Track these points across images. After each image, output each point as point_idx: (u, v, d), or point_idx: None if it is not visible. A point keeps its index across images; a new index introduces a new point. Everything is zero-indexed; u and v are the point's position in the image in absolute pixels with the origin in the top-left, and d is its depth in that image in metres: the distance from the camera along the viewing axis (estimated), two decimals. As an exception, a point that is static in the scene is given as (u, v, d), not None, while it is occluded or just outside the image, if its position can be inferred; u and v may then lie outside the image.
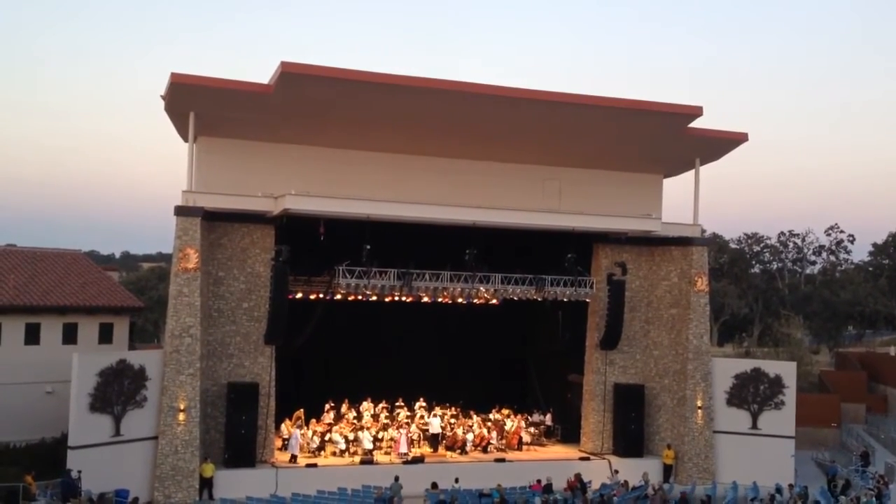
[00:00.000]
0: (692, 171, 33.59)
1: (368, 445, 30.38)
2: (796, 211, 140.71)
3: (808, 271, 75.12)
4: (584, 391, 33.64)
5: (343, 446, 30.38)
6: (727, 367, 33.53)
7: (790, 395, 32.89)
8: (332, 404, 33.23)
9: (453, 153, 31.18)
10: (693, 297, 32.39)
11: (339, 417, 32.82)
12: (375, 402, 34.08)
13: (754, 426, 32.67)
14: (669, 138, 31.12)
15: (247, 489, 26.65)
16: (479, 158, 31.63)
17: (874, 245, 73.02)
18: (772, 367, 33.77)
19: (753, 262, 74.19)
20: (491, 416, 34.56)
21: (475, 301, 33.20)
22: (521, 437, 33.17)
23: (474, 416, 34.04)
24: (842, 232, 73.28)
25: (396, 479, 26.76)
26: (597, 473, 30.33)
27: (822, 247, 73.61)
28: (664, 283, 33.49)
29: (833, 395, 43.67)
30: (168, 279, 29.18)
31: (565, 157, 32.43)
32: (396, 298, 31.05)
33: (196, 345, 27.07)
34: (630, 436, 32.40)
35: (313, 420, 31.59)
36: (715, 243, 67.57)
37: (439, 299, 31.23)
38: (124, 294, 35.97)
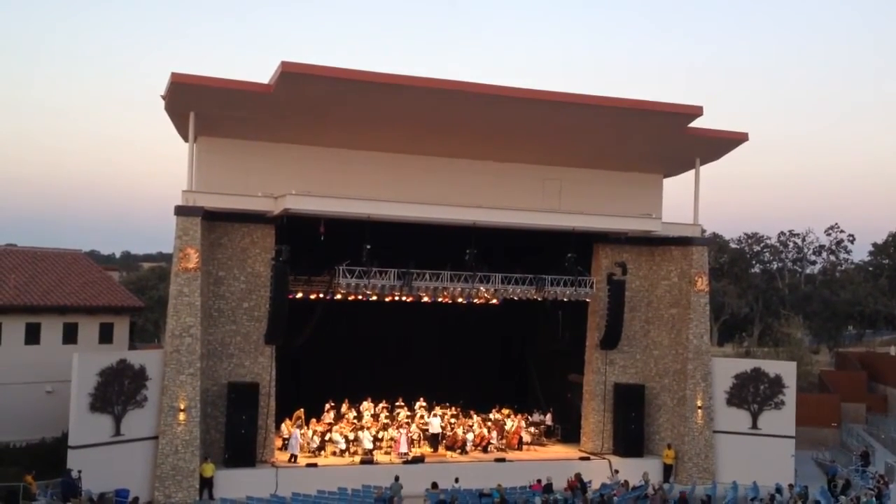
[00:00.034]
0: (692, 171, 33.59)
1: (368, 445, 30.39)
2: (796, 211, 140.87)
3: (808, 271, 75.11)
4: (585, 391, 33.65)
5: (343, 446, 30.39)
6: (727, 367, 33.54)
7: (790, 395, 32.90)
8: (333, 404, 33.25)
9: (453, 153, 31.19)
10: (693, 296, 32.39)
11: (339, 417, 32.83)
12: (375, 402, 34.10)
13: (754, 426, 32.68)
14: (669, 138, 31.13)
15: (247, 489, 26.65)
16: (479, 158, 31.64)
17: (874, 245, 73.03)
18: (772, 366, 33.78)
19: (753, 262, 74.16)
20: (491, 415, 34.57)
21: (475, 301, 33.21)
22: (521, 437, 33.17)
23: (474, 416, 34.05)
24: (842, 232, 73.29)
25: (396, 478, 26.77)
26: (597, 473, 30.34)
27: (822, 246, 73.57)
28: (664, 282, 33.50)
29: (833, 394, 43.69)
30: (168, 279, 29.18)
31: (565, 156, 32.44)
32: (396, 298, 31.05)
33: (196, 344, 27.08)
34: (630, 436, 32.41)
35: (313, 420, 31.60)
36: (715, 243, 67.56)
37: (439, 299, 31.23)
38: (124, 294, 35.99)
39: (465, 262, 29.40)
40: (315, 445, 30.21)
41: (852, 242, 73.21)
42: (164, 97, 27.81)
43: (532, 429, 34.26)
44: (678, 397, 32.66)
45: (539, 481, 27.92)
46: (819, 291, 67.68)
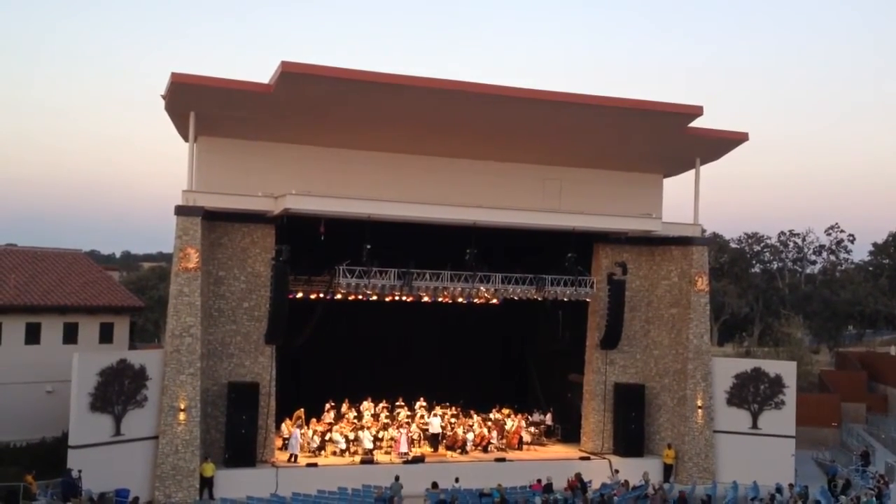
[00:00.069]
0: (692, 171, 33.59)
1: (369, 445, 30.39)
2: (796, 210, 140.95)
3: (808, 271, 75.16)
4: (585, 391, 33.64)
5: (343, 446, 30.39)
6: (727, 367, 33.54)
7: (790, 395, 32.89)
8: (333, 404, 33.25)
9: (454, 153, 31.19)
10: (693, 296, 32.39)
11: (339, 417, 32.83)
12: (376, 402, 34.10)
13: (754, 426, 32.68)
14: (670, 138, 31.12)
15: (247, 489, 26.64)
16: (479, 158, 31.64)
17: (874, 245, 73.08)
18: (772, 366, 33.78)
19: (754, 262, 74.18)
20: (491, 415, 34.57)
21: (475, 301, 33.21)
22: (521, 437, 33.17)
23: (475, 416, 34.05)
24: (842, 231, 73.34)
25: (397, 478, 26.77)
26: (597, 473, 30.34)
27: (822, 246, 73.61)
28: (664, 282, 33.49)
29: (833, 394, 43.69)
30: (168, 279, 29.18)
31: (566, 156, 32.43)
32: (397, 298, 31.05)
33: (196, 344, 27.08)
34: (630, 435, 32.41)
35: (314, 419, 31.60)
36: (715, 243, 67.58)
37: (439, 299, 31.22)
38: (125, 294, 35.99)
39: (465, 261, 29.39)
40: (315, 445, 30.21)
41: (852, 242, 73.37)
42: (164, 97, 27.82)
43: (532, 428, 34.25)
44: (678, 397, 32.65)
45: (539, 481, 27.92)
46: (819, 291, 67.68)
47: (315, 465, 28.92)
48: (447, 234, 29.24)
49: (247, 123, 28.27)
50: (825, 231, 73.47)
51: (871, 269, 71.89)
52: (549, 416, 35.40)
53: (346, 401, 33.69)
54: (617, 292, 31.95)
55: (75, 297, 33.59)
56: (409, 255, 29.15)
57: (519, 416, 34.85)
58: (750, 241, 74.12)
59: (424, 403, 34.55)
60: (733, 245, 73.33)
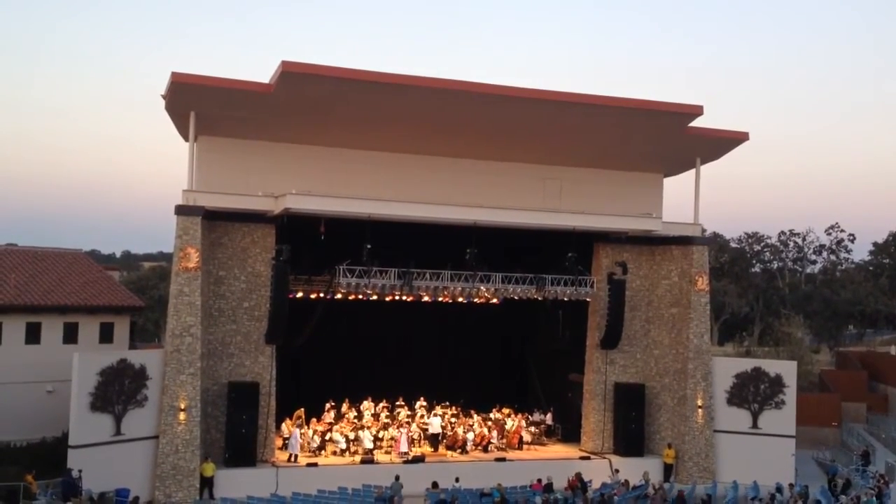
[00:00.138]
0: (693, 171, 33.58)
1: (369, 445, 30.38)
2: (797, 210, 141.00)
3: (808, 270, 75.17)
4: (585, 390, 33.63)
5: (343, 446, 30.38)
6: (728, 367, 33.52)
7: (791, 395, 32.88)
8: (333, 403, 33.25)
9: (454, 152, 31.17)
10: (693, 296, 32.38)
11: (339, 417, 32.82)
12: (376, 402, 34.10)
13: (755, 425, 32.67)
14: (670, 138, 31.11)
15: (247, 488, 26.64)
16: (479, 158, 31.63)
17: (875, 244, 73.10)
18: (772, 366, 33.77)
19: (754, 262, 74.17)
20: (491, 415, 34.56)
21: (476, 300, 33.20)
22: (521, 437, 33.17)
23: (475, 416, 34.05)
24: (842, 231, 73.32)
25: (397, 478, 26.77)
26: (597, 473, 30.33)
27: (822, 246, 73.58)
28: (665, 282, 33.48)
29: (834, 394, 43.68)
30: (169, 278, 29.17)
31: (566, 156, 32.42)
32: (397, 298, 31.04)
33: (197, 344, 27.07)
34: (630, 435, 32.40)
35: (314, 419, 31.59)
36: (715, 242, 67.58)
37: (440, 299, 31.20)
38: (125, 293, 36.00)
39: (465, 261, 29.37)
40: (315, 445, 30.21)
41: (853, 242, 73.36)
42: (164, 97, 27.82)
43: (532, 428, 34.25)
44: (678, 397, 32.64)
45: (539, 481, 27.91)
46: (819, 291, 67.67)
47: (315, 464, 28.92)
48: (447, 234, 29.22)
49: (247, 123, 28.26)
50: (825, 231, 73.59)
51: (871, 268, 71.91)
52: (549, 415, 35.40)
53: (347, 400, 33.68)
54: (617, 292, 31.94)
55: (75, 296, 33.60)
56: (409, 255, 29.13)
57: (519, 415, 34.84)
58: (750, 240, 74.12)
59: (425, 403, 34.55)
60: (733, 245, 73.33)
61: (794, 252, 74.00)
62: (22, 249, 37.36)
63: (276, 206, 28.08)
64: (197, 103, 27.11)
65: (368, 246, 27.71)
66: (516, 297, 32.02)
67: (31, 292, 32.73)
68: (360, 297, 30.36)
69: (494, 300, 34.03)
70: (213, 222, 28.30)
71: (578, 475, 28.14)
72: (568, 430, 34.67)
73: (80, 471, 24.48)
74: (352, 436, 30.78)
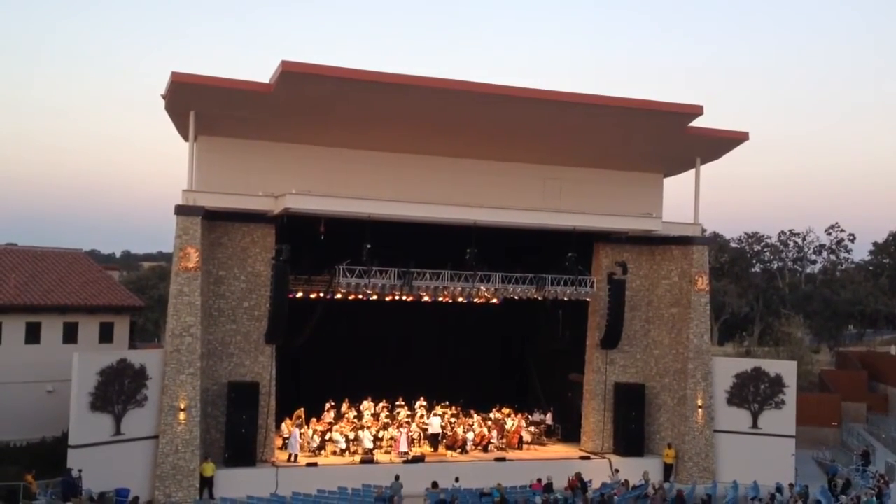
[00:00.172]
0: (693, 171, 33.57)
1: (369, 445, 30.38)
2: (797, 210, 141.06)
3: (808, 270, 75.16)
4: (585, 390, 33.63)
5: (343, 445, 30.38)
6: (728, 367, 33.52)
7: (791, 395, 32.87)
8: (333, 403, 33.24)
9: (454, 152, 31.17)
10: (693, 296, 32.37)
11: (339, 416, 32.82)
12: (376, 402, 34.09)
13: (755, 425, 32.66)
14: (670, 137, 31.11)
15: (247, 488, 26.63)
16: (479, 157, 31.62)
17: (875, 244, 73.10)
18: (772, 366, 33.76)
19: (754, 262, 74.16)
20: (491, 415, 34.56)
21: (476, 300, 33.19)
22: (521, 437, 33.16)
23: (475, 416, 34.04)
24: (842, 231, 73.30)
25: (397, 478, 26.76)
26: (597, 473, 30.31)
27: (822, 246, 73.56)
28: (665, 282, 33.47)
29: (834, 394, 43.68)
30: (168, 278, 29.16)
31: (566, 156, 32.42)
32: (397, 298, 31.03)
33: (196, 344, 27.07)
34: (630, 435, 32.40)
35: (314, 419, 31.59)
36: (715, 242, 67.56)
37: (440, 299, 31.19)
38: (125, 293, 35.99)
39: (465, 261, 29.35)
40: (315, 445, 30.21)
41: (853, 242, 73.34)
42: (164, 97, 27.81)
43: (532, 428, 34.25)
44: (678, 397, 32.64)
45: (539, 481, 27.91)
46: (819, 291, 67.66)
47: (315, 464, 28.92)
48: (447, 234, 29.21)
49: (247, 123, 28.25)
50: (825, 231, 73.56)
51: (871, 268, 71.90)
52: (549, 415, 35.39)
53: (346, 400, 33.68)
54: (617, 292, 31.94)
55: (75, 296, 33.60)
56: (409, 255, 29.12)
57: (519, 415, 34.84)
58: (750, 240, 74.11)
59: (424, 403, 34.54)
60: (733, 245, 73.32)
61: (794, 252, 74.01)
62: (22, 249, 37.34)
63: (276, 205, 28.07)
64: (197, 103, 27.10)
65: (368, 246, 27.70)
66: (516, 297, 32.01)
67: (31, 292, 32.72)
68: (360, 297, 30.36)
69: (494, 300, 34.02)
70: (212, 222, 28.29)
71: (578, 475, 28.14)
72: (568, 430, 34.67)
73: (79, 470, 24.47)
74: (352, 436, 30.78)
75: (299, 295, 30.14)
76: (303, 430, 30.52)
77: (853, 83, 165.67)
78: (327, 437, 30.66)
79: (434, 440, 32.00)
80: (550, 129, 30.09)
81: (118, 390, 26.16)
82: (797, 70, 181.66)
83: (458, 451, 31.58)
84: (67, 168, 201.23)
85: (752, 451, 32.02)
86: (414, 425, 32.69)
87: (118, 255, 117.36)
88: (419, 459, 30.10)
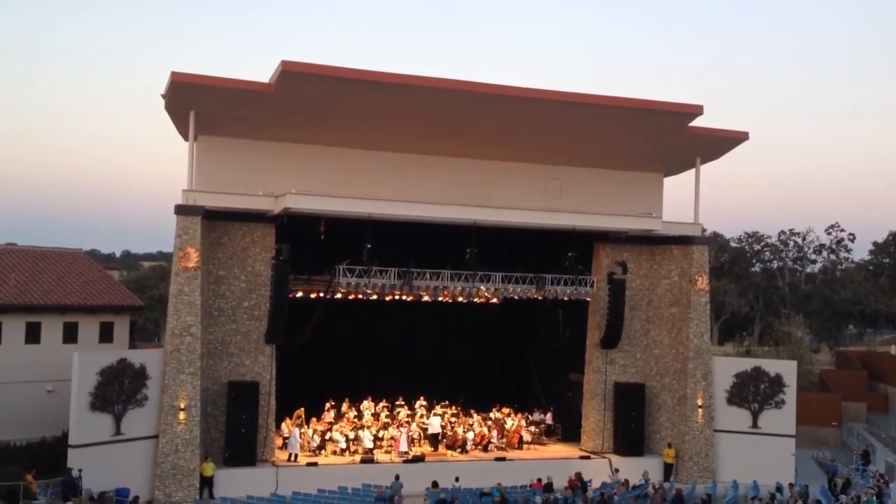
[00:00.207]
0: (693, 170, 33.57)
1: (369, 444, 30.38)
2: (797, 210, 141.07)
3: (808, 270, 75.12)
4: (585, 390, 33.63)
5: (343, 445, 30.38)
6: (728, 366, 33.52)
7: (791, 394, 32.87)
8: (333, 403, 33.25)
9: (454, 152, 31.16)
10: (693, 295, 32.37)
11: (339, 416, 32.82)
12: (376, 401, 34.10)
13: (755, 425, 32.66)
14: (670, 137, 31.10)
15: (247, 488, 26.64)
16: (479, 157, 31.61)
17: (875, 244, 73.04)
18: (772, 365, 33.76)
19: (754, 261, 74.12)
20: (491, 414, 34.56)
21: (476, 300, 33.17)
22: (521, 436, 33.16)
23: (475, 415, 34.04)
24: (842, 231, 73.24)
25: (397, 477, 26.76)
26: (597, 472, 30.32)
27: (822, 245, 73.51)
28: (665, 281, 33.48)
29: (834, 394, 43.67)
30: (168, 278, 29.17)
31: (566, 156, 32.41)
32: (397, 297, 31.02)
33: (196, 344, 27.07)
34: (630, 435, 32.40)
35: (314, 419, 31.59)
36: (715, 242, 67.53)
37: (440, 298, 31.17)
38: (125, 293, 35.99)
39: (465, 261, 29.35)
40: (315, 444, 30.21)
41: (853, 241, 73.27)
42: (164, 96, 27.80)
43: (532, 428, 34.25)
44: (678, 396, 32.64)
45: (539, 480, 27.91)
46: (819, 290, 67.65)
47: (315, 464, 28.92)
48: (447, 234, 29.21)
49: (247, 123, 28.24)
50: (825, 230, 73.49)
51: (871, 268, 71.86)
52: (549, 415, 35.39)
53: (347, 400, 33.68)
54: (617, 291, 31.94)
55: (75, 296, 33.60)
56: (409, 255, 29.12)
57: (519, 415, 34.84)
58: (750, 240, 74.08)
59: (425, 403, 34.55)
60: (733, 244, 73.28)
61: (794, 252, 73.96)
62: (22, 249, 37.33)
63: (275, 205, 28.07)
64: (197, 103, 27.10)
65: (368, 246, 27.70)
66: (516, 297, 32.00)
67: (31, 292, 32.71)
68: (360, 296, 30.35)
69: (494, 300, 34.01)
70: (212, 222, 28.29)
71: (578, 475, 28.14)
72: (568, 430, 34.67)
73: (80, 470, 24.47)
74: (352, 435, 30.78)
75: (299, 295, 30.15)
76: (303, 430, 30.53)
77: (853, 83, 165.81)
78: (327, 437, 30.66)
79: (434, 440, 32.00)
80: (550, 128, 30.08)
81: (118, 390, 26.16)
82: (797, 70, 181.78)
83: (459, 450, 31.59)
84: (67, 168, 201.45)
85: (752, 450, 32.02)
86: (414, 425, 32.69)
87: (118, 254, 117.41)
88: (419, 459, 30.10)
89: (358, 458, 29.89)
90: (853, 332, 72.76)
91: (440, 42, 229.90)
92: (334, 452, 30.27)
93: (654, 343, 33.61)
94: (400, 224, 28.40)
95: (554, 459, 31.51)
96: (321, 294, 30.47)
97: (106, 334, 33.91)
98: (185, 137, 28.85)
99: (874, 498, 26.21)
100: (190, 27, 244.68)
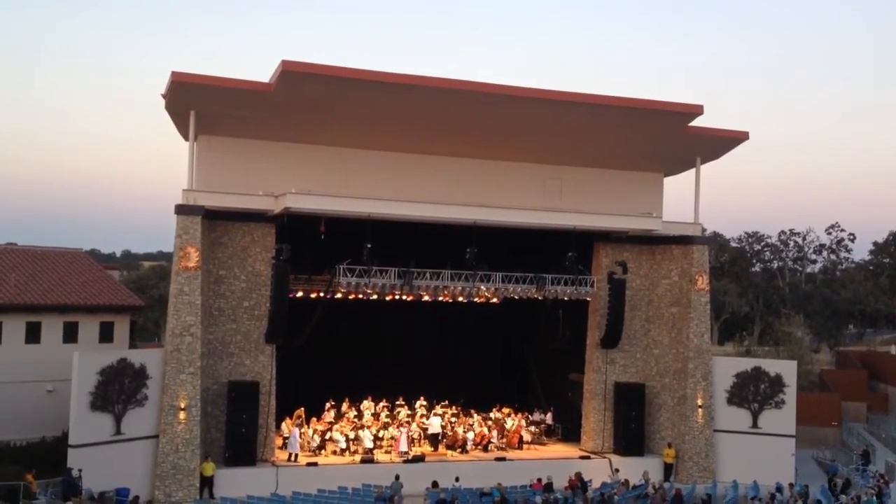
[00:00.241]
0: (693, 170, 33.56)
1: (369, 444, 30.38)
2: (797, 209, 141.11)
3: (808, 270, 75.05)
4: (585, 390, 33.63)
5: (344, 445, 30.38)
6: (728, 366, 33.52)
7: (791, 394, 32.87)
8: (333, 403, 33.25)
9: (454, 152, 31.16)
10: (693, 295, 32.37)
11: (339, 416, 32.83)
12: (376, 401, 34.10)
13: (755, 425, 32.66)
14: (670, 137, 31.10)
15: (247, 488, 26.64)
16: (479, 157, 31.61)
17: (875, 244, 73.04)
18: (772, 365, 33.76)
19: (754, 261, 74.10)
20: (491, 414, 34.56)
21: (476, 300, 33.16)
22: (521, 436, 33.16)
23: (475, 415, 34.04)
24: (842, 231, 73.19)
25: (397, 477, 26.76)
26: (597, 472, 30.31)
27: (822, 245, 73.47)
28: (665, 281, 33.47)
29: (834, 393, 43.66)
30: (169, 278, 29.17)
31: (566, 155, 32.41)
32: (397, 297, 31.01)
33: (197, 343, 27.07)
34: (630, 434, 32.40)
35: (314, 419, 31.59)
36: (715, 242, 67.52)
37: (440, 298, 31.16)
38: (125, 293, 35.98)
39: (465, 261, 29.36)
40: (315, 444, 30.21)
41: (853, 241, 73.21)
42: (164, 96, 27.81)
43: (532, 428, 34.25)
44: (678, 396, 32.64)
45: (539, 480, 27.91)
46: (820, 290, 67.63)
47: (315, 464, 28.92)
48: (447, 234, 29.21)
49: (247, 122, 28.24)
50: (825, 230, 73.42)
51: (871, 268, 71.86)
52: (549, 415, 35.39)
53: (347, 400, 33.68)
54: (617, 291, 31.94)
55: (75, 296, 33.59)
56: (409, 255, 29.11)
57: (519, 415, 34.84)
58: (750, 240, 74.05)
59: (425, 402, 34.54)
60: (734, 244, 73.26)
61: (795, 252, 73.92)
62: (22, 249, 37.31)
63: (276, 205, 28.07)
64: (197, 102, 27.09)
65: (368, 245, 27.70)
66: (516, 297, 31.98)
67: (31, 291, 32.71)
68: (360, 296, 30.33)
69: (494, 300, 34.00)
70: (213, 222, 28.29)
71: (578, 475, 28.14)
72: (568, 430, 34.67)
73: (80, 470, 24.47)
74: (352, 435, 30.78)
75: (299, 294, 30.14)
76: (303, 430, 30.53)
77: (853, 83, 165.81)
78: (327, 437, 30.66)
79: (434, 440, 32.00)
80: (550, 128, 30.08)
81: (118, 390, 26.16)
82: (797, 70, 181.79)
83: (459, 450, 31.58)
84: (67, 168, 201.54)
85: (752, 450, 32.01)
86: (414, 425, 32.68)
87: (118, 254, 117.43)
88: (419, 459, 30.10)
89: (358, 458, 29.89)
90: (853, 332, 72.76)
91: (440, 42, 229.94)
92: (334, 452, 30.27)
93: (654, 343, 33.60)
94: (400, 224, 28.40)
95: (554, 459, 31.51)
96: (321, 294, 30.46)
97: (106, 334, 33.91)
98: (186, 137, 28.85)
99: (874, 498, 26.21)
100: (190, 27, 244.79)
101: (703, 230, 37.08)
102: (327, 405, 32.98)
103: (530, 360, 38.80)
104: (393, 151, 30.60)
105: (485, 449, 32.09)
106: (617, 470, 30.42)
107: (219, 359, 28.62)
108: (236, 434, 28.02)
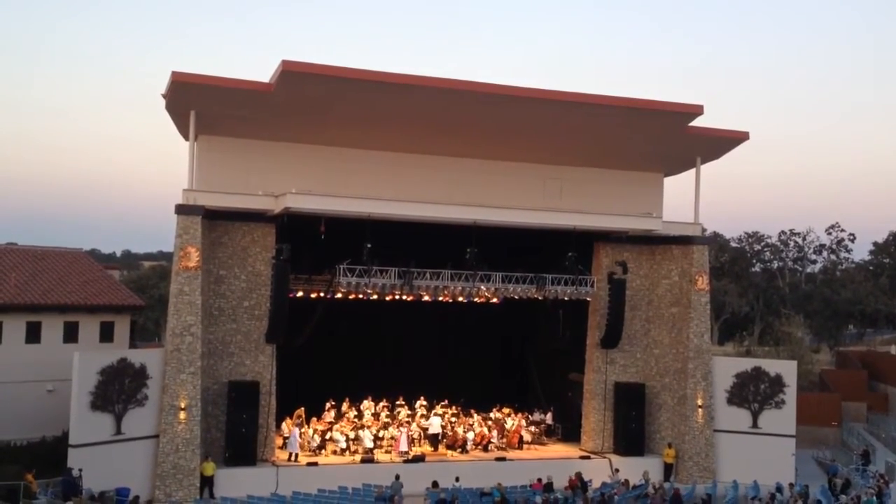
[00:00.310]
0: (693, 170, 33.57)
1: (369, 444, 30.39)
2: (797, 210, 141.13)
3: (808, 270, 75.05)
4: (585, 390, 33.63)
5: (344, 445, 30.39)
6: (728, 366, 33.52)
7: (791, 394, 32.88)
8: (333, 403, 33.25)
9: (454, 152, 31.16)
10: (694, 295, 32.37)
11: (339, 416, 32.83)
12: (376, 401, 34.10)
13: (755, 425, 32.66)
14: (670, 137, 31.10)
15: (247, 488, 26.66)
16: (480, 157, 31.61)
17: (875, 244, 73.04)
18: (772, 365, 33.77)
19: (754, 261, 74.09)
20: (491, 414, 34.57)
21: (476, 300, 33.16)
22: (521, 436, 33.16)
23: (475, 415, 34.05)
24: (842, 231, 73.18)
25: (397, 477, 26.77)
26: (597, 472, 30.32)
27: (822, 245, 73.47)
28: (665, 281, 33.48)
29: (834, 393, 43.67)
30: (169, 278, 29.18)
31: (566, 155, 32.42)
32: (397, 297, 31.02)
33: (197, 343, 27.07)
34: (631, 434, 32.41)
35: (314, 418, 31.60)
36: (716, 242, 67.52)
37: (440, 298, 31.17)
38: (125, 293, 35.99)
39: (465, 260, 29.36)
40: (315, 444, 30.21)
41: (853, 241, 73.20)
42: (164, 96, 27.81)
43: (532, 428, 34.25)
44: (679, 396, 32.64)
45: (539, 480, 27.92)
46: (820, 290, 67.64)
47: (315, 464, 28.93)
48: (447, 234, 29.22)
49: (247, 122, 28.25)
50: (825, 230, 73.41)
51: (871, 268, 71.84)
52: (549, 415, 35.39)
53: (347, 400, 33.69)
54: (617, 291, 31.94)
55: (76, 295, 33.60)
56: (409, 254, 29.12)
57: (519, 415, 34.85)
58: (750, 240, 74.05)
59: (425, 402, 34.55)
60: (734, 244, 73.27)
61: (795, 252, 73.92)
62: (22, 249, 37.33)
63: (276, 205, 28.08)
64: (197, 102, 27.10)
65: (368, 245, 27.71)
66: (516, 297, 31.99)
67: (32, 291, 32.72)
68: (361, 296, 30.34)
69: (494, 300, 34.00)
70: (213, 221, 28.30)
71: (578, 475, 28.15)
72: (568, 430, 34.67)
73: (80, 470, 24.48)
74: (352, 435, 30.79)
75: (299, 294, 30.15)
76: (303, 430, 30.54)
77: (853, 83, 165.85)
78: (328, 437, 30.67)
79: (434, 440, 32.01)
80: (550, 128, 30.08)
81: (118, 389, 26.17)
82: (797, 70, 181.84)
83: (459, 450, 31.59)
84: (67, 168, 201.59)
85: (752, 450, 32.02)
86: (414, 425, 32.69)
87: (118, 254, 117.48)
88: (419, 459, 30.11)
89: (358, 457, 29.90)
90: (853, 332, 72.77)
91: (440, 42, 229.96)
92: (334, 452, 30.28)
93: (654, 343, 33.61)
94: (400, 224, 28.41)
95: (554, 459, 31.51)
96: (321, 294, 30.47)
97: (106, 334, 33.93)
98: (186, 137, 28.85)
99: (874, 498, 26.21)
100: (190, 27, 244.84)
101: (704, 230, 37.09)
102: (327, 405, 32.99)
103: (530, 360, 38.80)
104: (393, 151, 30.60)
105: (485, 449, 32.10)
106: (617, 470, 30.43)
107: (219, 359, 28.63)
108: (236, 434, 28.03)
